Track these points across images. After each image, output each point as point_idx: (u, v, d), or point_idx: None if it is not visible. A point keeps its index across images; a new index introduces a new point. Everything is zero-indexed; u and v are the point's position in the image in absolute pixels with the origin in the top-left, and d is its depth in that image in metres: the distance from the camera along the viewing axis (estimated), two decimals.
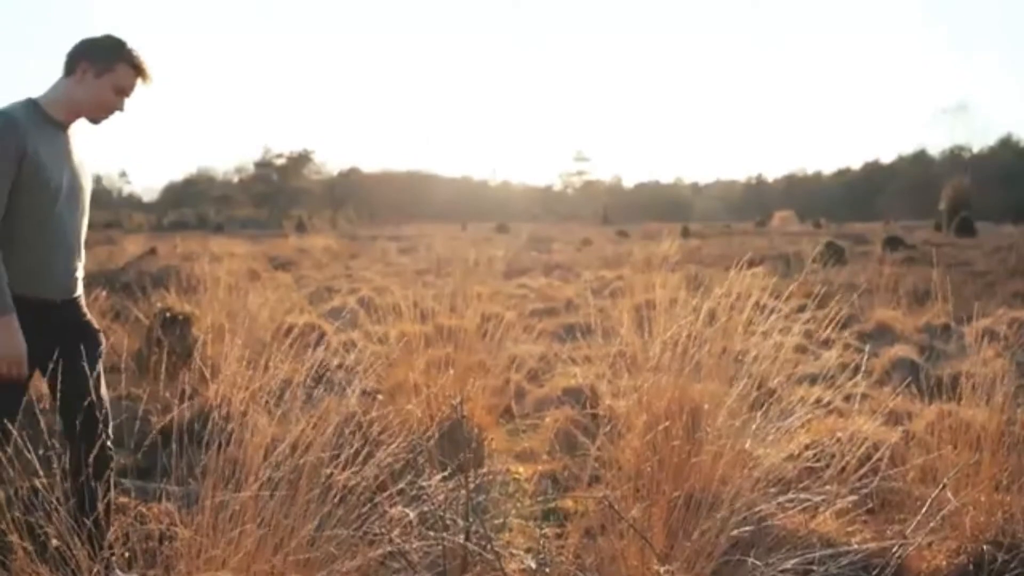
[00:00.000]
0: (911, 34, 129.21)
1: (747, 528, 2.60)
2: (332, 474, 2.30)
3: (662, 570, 2.42)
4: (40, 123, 2.62)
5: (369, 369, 3.00)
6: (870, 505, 3.22)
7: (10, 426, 2.41)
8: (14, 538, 2.12)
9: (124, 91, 2.73)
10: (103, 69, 2.68)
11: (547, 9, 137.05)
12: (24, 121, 2.55)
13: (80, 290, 2.82)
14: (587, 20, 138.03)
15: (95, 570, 2.08)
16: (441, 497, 2.66)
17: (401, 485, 2.62)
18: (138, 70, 2.73)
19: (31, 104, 2.65)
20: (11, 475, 2.29)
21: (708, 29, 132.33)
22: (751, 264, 3.70)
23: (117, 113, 2.77)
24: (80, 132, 2.79)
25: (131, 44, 2.73)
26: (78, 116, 2.73)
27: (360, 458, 2.38)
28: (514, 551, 2.75)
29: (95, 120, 2.76)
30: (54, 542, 2.07)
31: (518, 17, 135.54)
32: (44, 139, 2.60)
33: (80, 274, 2.80)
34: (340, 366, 3.18)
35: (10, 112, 2.55)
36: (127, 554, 2.35)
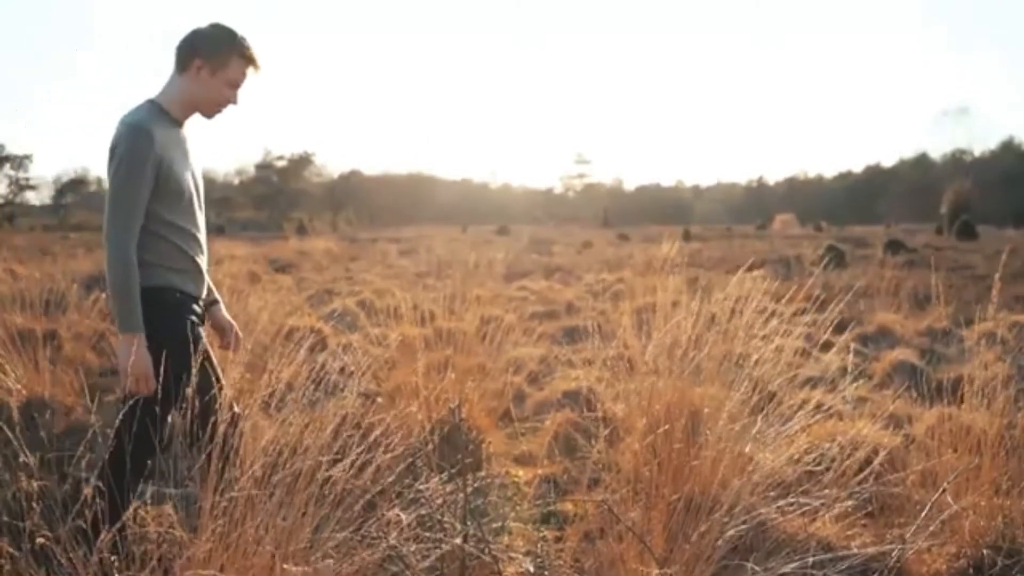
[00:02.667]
0: (912, 36, 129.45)
1: (746, 531, 2.59)
2: (330, 477, 2.29)
3: (657, 573, 2.41)
4: (167, 127, 2.60)
5: (368, 371, 2.99)
6: (870, 509, 3.21)
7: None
8: (4, 542, 2.11)
9: (237, 84, 2.68)
10: (217, 65, 2.62)
11: (547, 10, 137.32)
12: (157, 131, 2.53)
13: None
14: (587, 21, 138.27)
15: (91, 573, 2.08)
16: (439, 500, 2.65)
17: (399, 488, 2.61)
18: (250, 61, 2.67)
19: (155, 107, 2.61)
20: (7, 478, 2.29)
21: (709, 30, 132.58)
22: (752, 267, 3.70)
23: (231, 106, 2.72)
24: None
25: (240, 33, 2.66)
26: (194, 112, 2.70)
27: (358, 461, 2.37)
28: (513, 554, 2.74)
29: (209, 115, 2.72)
30: (39, 540, 2.06)
31: (518, 18, 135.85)
32: (173, 143, 2.59)
33: None
34: (342, 370, 3.17)
35: (144, 123, 2.52)
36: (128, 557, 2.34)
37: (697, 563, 2.43)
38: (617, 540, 2.65)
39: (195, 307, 2.66)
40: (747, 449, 2.89)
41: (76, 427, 4.39)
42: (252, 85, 2.73)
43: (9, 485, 2.54)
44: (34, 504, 2.14)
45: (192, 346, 2.46)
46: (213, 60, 2.61)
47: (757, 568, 2.44)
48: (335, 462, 2.32)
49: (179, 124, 2.67)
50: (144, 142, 2.48)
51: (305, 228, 42.80)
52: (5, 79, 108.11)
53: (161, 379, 2.39)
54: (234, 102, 2.71)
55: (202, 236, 2.72)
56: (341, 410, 2.46)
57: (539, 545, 2.96)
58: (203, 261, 2.73)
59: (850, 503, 2.96)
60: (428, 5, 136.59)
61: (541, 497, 3.48)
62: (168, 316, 2.52)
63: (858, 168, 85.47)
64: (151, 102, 2.63)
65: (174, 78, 2.66)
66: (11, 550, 2.09)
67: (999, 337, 6.51)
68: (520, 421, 4.69)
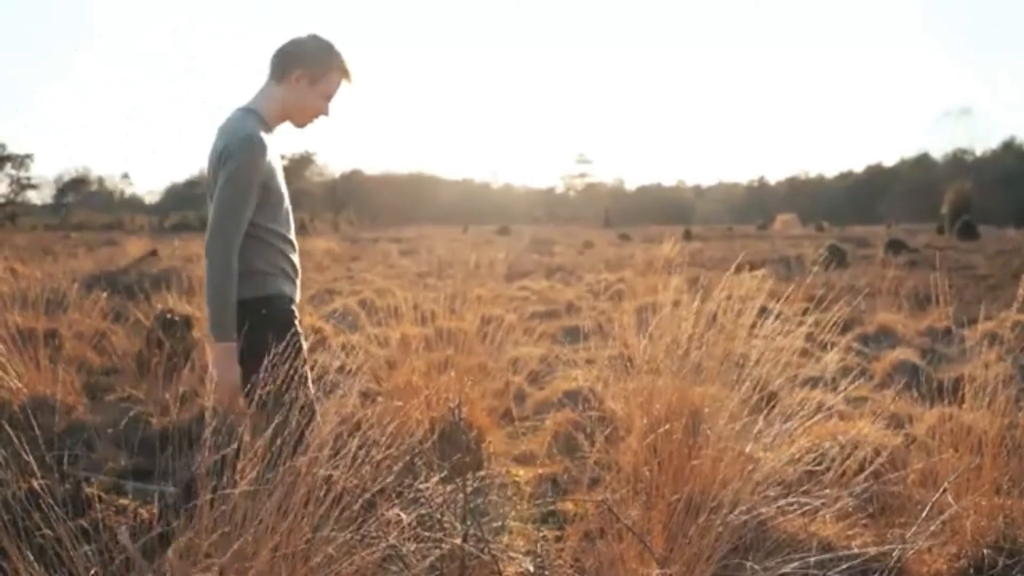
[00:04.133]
0: (914, 37, 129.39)
1: (747, 531, 2.59)
2: (330, 476, 2.29)
3: (657, 573, 2.41)
4: (268, 135, 2.62)
5: (368, 371, 2.99)
6: (870, 509, 3.21)
7: None
8: (4, 542, 2.11)
9: (331, 96, 2.71)
10: (316, 76, 2.64)
11: (549, 10, 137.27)
12: (267, 141, 2.55)
13: None
14: (589, 21, 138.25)
15: (92, 572, 2.07)
16: (439, 500, 2.65)
17: (399, 487, 2.61)
18: (345, 74, 2.70)
19: (257, 117, 2.61)
20: (8, 477, 2.29)
21: (710, 30, 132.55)
22: (753, 267, 3.69)
23: (322, 117, 2.75)
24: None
25: (337, 46, 2.69)
26: (284, 121, 2.71)
27: (358, 460, 2.37)
28: (512, 554, 2.74)
29: (301, 126, 2.74)
30: (40, 541, 2.06)
31: (519, 18, 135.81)
32: (274, 154, 2.62)
33: None
34: (341, 369, 3.17)
35: (258, 136, 2.53)
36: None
37: (697, 563, 2.43)
38: (617, 539, 2.65)
39: (296, 311, 2.71)
40: (747, 449, 2.88)
41: (77, 426, 4.40)
42: (343, 97, 2.76)
43: (10, 484, 2.53)
44: (35, 503, 2.14)
45: (299, 351, 2.51)
46: (312, 71, 2.63)
47: (757, 568, 2.44)
48: (335, 460, 2.32)
49: (271, 132, 2.69)
50: (260, 156, 2.50)
51: (306, 228, 42.71)
52: (5, 79, 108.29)
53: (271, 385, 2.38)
54: (326, 114, 2.73)
55: (295, 240, 2.77)
56: (341, 409, 2.46)
57: (539, 545, 2.96)
58: (298, 265, 2.78)
59: (851, 503, 2.95)
60: (429, 4, 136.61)
61: (541, 496, 3.48)
62: (284, 325, 2.56)
63: (859, 168, 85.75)
64: (250, 111, 2.63)
65: (270, 87, 2.67)
66: (11, 549, 2.09)
67: (1000, 337, 6.50)
68: (520, 420, 4.69)
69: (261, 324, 2.47)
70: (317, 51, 2.65)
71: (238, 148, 2.48)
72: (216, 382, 2.45)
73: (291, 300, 2.67)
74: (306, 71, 2.63)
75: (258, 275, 2.57)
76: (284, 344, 2.37)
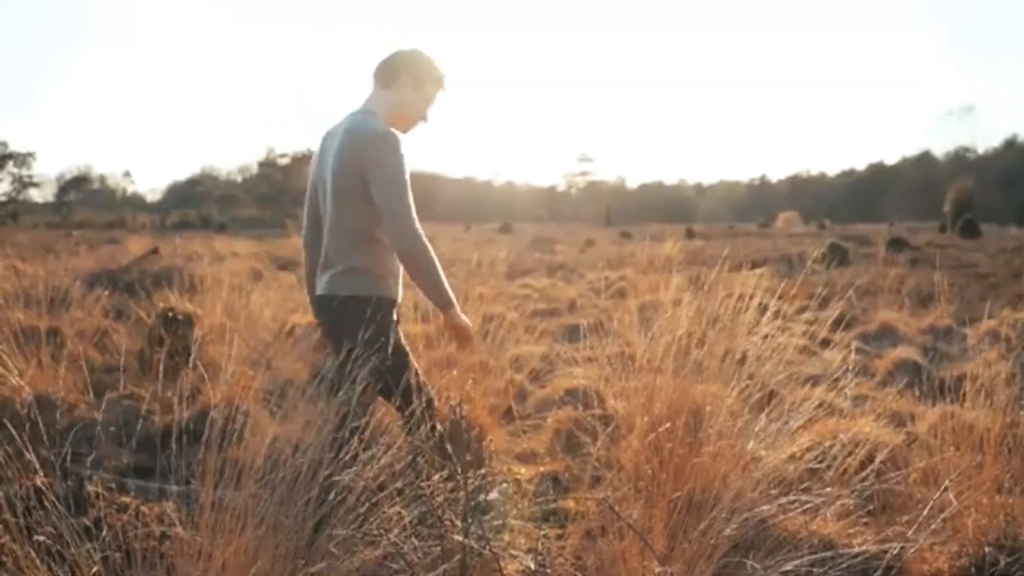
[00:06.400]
0: (917, 36, 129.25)
1: (748, 529, 2.59)
2: (331, 474, 2.29)
3: (658, 571, 2.41)
4: None
5: None
6: (871, 507, 3.20)
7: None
8: (7, 540, 2.11)
9: (431, 102, 2.92)
10: (420, 83, 2.87)
11: (549, 9, 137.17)
12: None
13: None
14: (590, 19, 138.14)
15: (93, 570, 2.08)
16: (440, 498, 2.65)
17: (400, 485, 2.61)
18: (441, 83, 2.92)
19: (376, 117, 2.77)
20: (9, 475, 2.29)
21: (712, 29, 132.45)
22: (755, 265, 3.69)
23: (421, 123, 2.94)
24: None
25: (434, 58, 2.93)
26: (392, 126, 2.84)
27: (359, 458, 2.37)
28: (514, 552, 2.74)
29: (404, 131, 2.89)
30: (40, 538, 2.07)
31: (520, 17, 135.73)
32: None
33: None
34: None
35: (392, 131, 2.71)
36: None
37: (698, 561, 2.43)
38: (618, 538, 2.65)
39: (395, 314, 2.89)
40: (748, 447, 2.88)
41: (79, 424, 4.40)
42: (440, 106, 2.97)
43: (12, 482, 2.54)
44: (38, 501, 2.14)
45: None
46: (417, 76, 2.87)
47: (758, 566, 2.44)
48: (336, 459, 2.33)
49: None
50: (402, 150, 2.68)
51: None
52: (7, 78, 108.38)
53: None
54: (425, 119, 2.94)
55: None
56: (342, 408, 2.46)
57: (540, 543, 2.96)
58: None
59: (851, 501, 2.95)
60: (430, 4, 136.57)
61: (542, 495, 3.48)
62: (383, 326, 2.73)
63: (861, 166, 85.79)
64: (370, 112, 2.80)
65: (379, 93, 2.88)
66: (14, 547, 2.09)
67: (1002, 335, 6.49)
68: (522, 419, 4.69)
69: (362, 321, 2.63)
70: (419, 61, 2.89)
71: (384, 143, 2.66)
72: (461, 335, 2.83)
73: (394, 303, 2.85)
74: (411, 77, 2.86)
75: (372, 276, 2.75)
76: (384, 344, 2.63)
